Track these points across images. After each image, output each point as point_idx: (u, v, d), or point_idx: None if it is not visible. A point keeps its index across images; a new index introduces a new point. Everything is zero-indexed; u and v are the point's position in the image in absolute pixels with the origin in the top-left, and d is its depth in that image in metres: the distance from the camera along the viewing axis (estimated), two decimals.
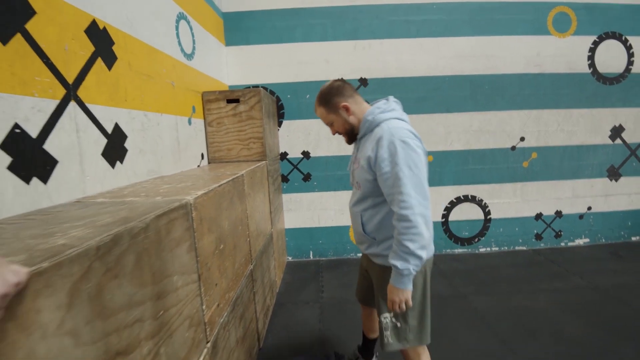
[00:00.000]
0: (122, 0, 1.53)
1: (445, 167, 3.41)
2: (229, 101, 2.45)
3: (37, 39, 1.07)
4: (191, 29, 2.31)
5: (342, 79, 1.41)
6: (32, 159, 1.05)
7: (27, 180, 1.04)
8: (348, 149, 3.31)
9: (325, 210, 3.43)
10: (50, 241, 0.68)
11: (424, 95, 3.29)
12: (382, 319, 1.28)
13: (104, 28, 1.40)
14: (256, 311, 2.04)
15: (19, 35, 1.01)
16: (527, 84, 3.34)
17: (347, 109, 1.33)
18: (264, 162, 2.48)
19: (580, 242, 3.69)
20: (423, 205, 1.13)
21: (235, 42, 3.17)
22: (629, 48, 3.39)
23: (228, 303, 1.52)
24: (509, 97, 3.35)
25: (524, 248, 3.64)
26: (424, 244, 1.13)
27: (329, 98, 1.35)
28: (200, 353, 1.18)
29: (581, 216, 3.64)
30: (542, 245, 3.66)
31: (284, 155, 3.35)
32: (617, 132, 3.52)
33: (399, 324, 1.25)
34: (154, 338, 0.87)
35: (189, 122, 2.21)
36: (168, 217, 0.97)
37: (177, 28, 2.08)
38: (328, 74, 3.21)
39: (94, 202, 1.12)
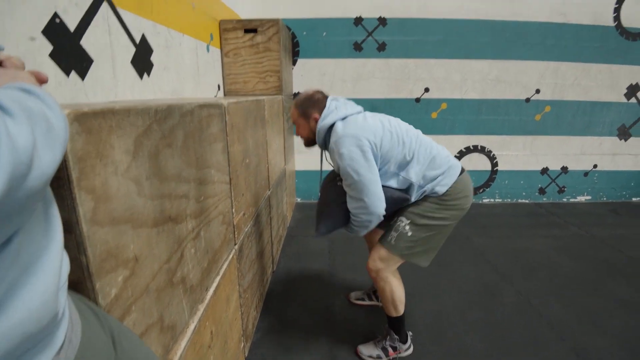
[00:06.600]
0: None
1: (458, 115, 3.41)
2: (247, 31, 2.40)
3: None
4: None
5: (321, 91, 1.54)
6: (70, 52, 1.07)
7: (67, 72, 1.06)
8: (362, 94, 3.29)
9: None
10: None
11: (444, 39, 3.20)
12: (399, 221, 1.37)
13: None
14: (271, 235, 2.15)
15: None
16: (550, 33, 3.24)
17: (316, 120, 1.47)
18: (280, 96, 2.48)
19: (582, 198, 3.77)
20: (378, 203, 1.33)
21: None
22: None
23: (252, 216, 1.60)
24: (530, 46, 3.27)
25: (527, 201, 3.73)
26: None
27: (307, 106, 1.49)
28: (230, 251, 1.27)
29: (586, 173, 3.69)
30: (544, 199, 3.75)
31: (296, 96, 3.32)
32: (633, 90, 3.46)
33: (409, 233, 1.33)
34: (197, 219, 0.94)
35: (207, 49, 2.18)
36: (208, 110, 1.01)
37: None
38: (346, 10, 3.11)
39: (130, 102, 1.15)
